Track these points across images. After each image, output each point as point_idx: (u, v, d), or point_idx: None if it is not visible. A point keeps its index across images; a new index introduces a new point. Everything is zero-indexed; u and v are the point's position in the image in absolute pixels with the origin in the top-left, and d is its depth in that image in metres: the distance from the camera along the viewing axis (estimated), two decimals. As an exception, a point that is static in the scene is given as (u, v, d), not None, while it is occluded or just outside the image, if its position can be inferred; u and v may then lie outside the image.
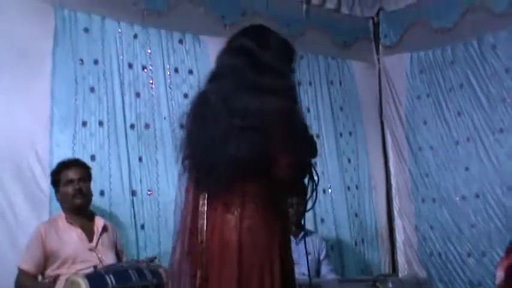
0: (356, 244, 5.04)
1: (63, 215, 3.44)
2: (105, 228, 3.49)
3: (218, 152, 2.20)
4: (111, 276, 2.95)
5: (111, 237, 3.51)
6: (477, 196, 4.82)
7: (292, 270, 2.36)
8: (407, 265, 5.14)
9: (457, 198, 4.92)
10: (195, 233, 2.27)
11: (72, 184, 3.41)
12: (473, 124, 4.91)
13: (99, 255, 3.34)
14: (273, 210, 2.29)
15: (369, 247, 5.12)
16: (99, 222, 3.48)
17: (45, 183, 3.67)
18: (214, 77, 2.34)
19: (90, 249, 3.34)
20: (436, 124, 5.14)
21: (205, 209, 2.27)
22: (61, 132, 3.81)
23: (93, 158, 3.84)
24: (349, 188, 5.12)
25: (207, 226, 2.25)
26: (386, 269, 5.12)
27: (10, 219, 3.55)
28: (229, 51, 2.36)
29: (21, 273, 3.29)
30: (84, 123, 3.91)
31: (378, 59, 5.53)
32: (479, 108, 4.89)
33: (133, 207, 3.94)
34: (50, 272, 3.29)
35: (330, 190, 4.97)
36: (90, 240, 3.39)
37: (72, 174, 3.44)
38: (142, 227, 3.99)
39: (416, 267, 5.08)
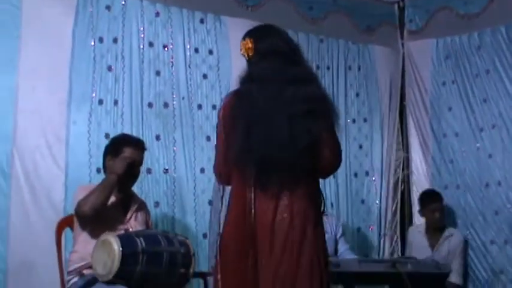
0: (359, 230, 5.03)
1: None
2: (140, 207, 3.50)
3: (288, 143, 2.31)
4: (141, 238, 3.02)
5: (144, 216, 3.52)
6: (499, 184, 4.75)
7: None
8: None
9: (481, 185, 4.83)
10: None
11: (131, 164, 3.34)
12: (498, 111, 4.83)
13: (130, 230, 3.33)
14: (316, 193, 2.45)
15: (376, 233, 5.11)
16: (136, 200, 3.50)
17: (62, 158, 3.75)
18: (253, 80, 2.45)
19: (123, 222, 3.34)
20: (461, 111, 5.06)
21: (253, 196, 2.34)
22: (78, 109, 3.88)
23: (107, 136, 3.86)
24: (356, 174, 5.09)
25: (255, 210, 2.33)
26: (396, 255, 5.07)
27: (26, 193, 3.63)
28: (263, 55, 2.49)
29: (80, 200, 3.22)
30: (100, 102, 3.96)
31: (402, 44, 5.46)
32: (505, 95, 4.81)
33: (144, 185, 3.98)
34: (84, 233, 3.27)
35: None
36: (125, 213, 3.39)
37: (137, 155, 3.40)
38: (157, 204, 4.04)
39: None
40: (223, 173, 2.48)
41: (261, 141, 2.32)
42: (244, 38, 2.56)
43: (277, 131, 2.32)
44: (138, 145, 3.45)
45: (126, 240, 3.00)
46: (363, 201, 5.09)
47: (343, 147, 4.87)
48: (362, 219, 5.06)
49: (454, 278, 4.55)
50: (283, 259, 2.27)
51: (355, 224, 5.01)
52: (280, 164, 2.30)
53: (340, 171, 4.88)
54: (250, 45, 2.52)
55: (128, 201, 3.45)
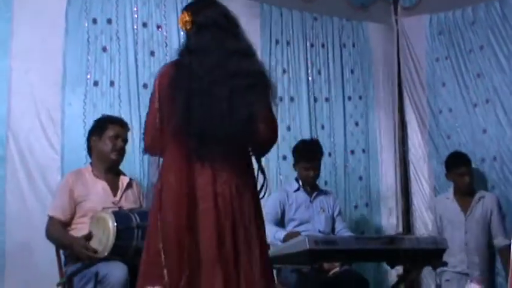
0: (356, 208, 5.04)
1: (89, 167, 3.48)
2: (130, 185, 3.52)
3: (227, 115, 2.32)
4: (135, 214, 3.10)
5: (135, 194, 3.55)
6: (494, 159, 4.77)
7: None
8: (424, 226, 5.10)
9: (476, 161, 4.82)
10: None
11: (116, 140, 3.45)
12: (492, 86, 4.83)
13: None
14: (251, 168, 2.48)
15: (372, 210, 5.13)
16: (124, 179, 3.52)
17: (57, 140, 3.77)
18: (191, 52, 2.43)
19: (114, 203, 3.37)
20: (455, 86, 5.06)
21: (192, 168, 2.34)
22: (73, 91, 3.88)
23: (103, 117, 3.86)
24: (352, 151, 5.10)
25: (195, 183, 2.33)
26: (392, 231, 5.08)
27: (21, 176, 3.66)
28: (200, 27, 2.46)
29: (51, 220, 3.32)
30: (95, 83, 3.96)
31: (396, 21, 5.44)
32: (499, 70, 4.80)
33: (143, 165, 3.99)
34: (75, 220, 3.33)
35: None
36: (115, 194, 3.43)
37: (120, 131, 3.49)
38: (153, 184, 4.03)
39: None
40: (156, 142, 2.41)
41: (202, 113, 2.32)
42: (182, 12, 2.54)
43: (218, 103, 2.32)
44: (122, 122, 3.54)
45: (121, 216, 3.07)
46: (360, 178, 5.11)
47: (340, 125, 4.95)
48: (359, 197, 5.08)
49: (502, 240, 4.33)
50: (224, 231, 2.29)
51: (352, 201, 5.03)
52: (220, 137, 2.31)
53: (337, 148, 4.98)
54: (187, 18, 2.49)
55: (116, 181, 3.49)
